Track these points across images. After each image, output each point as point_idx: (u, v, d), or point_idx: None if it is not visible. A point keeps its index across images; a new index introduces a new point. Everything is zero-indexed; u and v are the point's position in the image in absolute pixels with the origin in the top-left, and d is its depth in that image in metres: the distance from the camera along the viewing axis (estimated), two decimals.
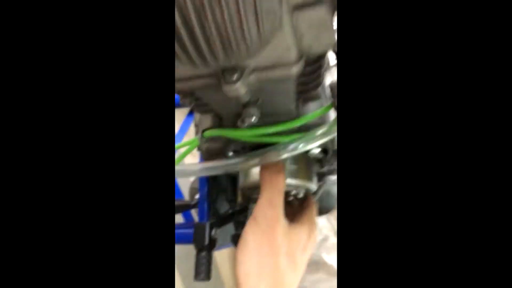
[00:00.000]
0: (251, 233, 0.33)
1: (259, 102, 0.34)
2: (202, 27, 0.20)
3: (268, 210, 0.34)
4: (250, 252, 0.32)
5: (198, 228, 0.42)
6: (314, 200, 0.44)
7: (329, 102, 0.40)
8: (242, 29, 0.20)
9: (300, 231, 0.36)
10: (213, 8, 0.19)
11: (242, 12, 0.19)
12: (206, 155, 0.47)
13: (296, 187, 0.42)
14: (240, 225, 0.54)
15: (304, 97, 0.37)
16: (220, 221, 0.46)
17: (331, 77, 0.51)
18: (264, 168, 0.37)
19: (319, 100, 0.42)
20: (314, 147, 0.38)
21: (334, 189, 0.69)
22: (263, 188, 0.35)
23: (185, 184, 1.08)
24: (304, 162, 0.42)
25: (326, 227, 1.51)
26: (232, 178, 0.57)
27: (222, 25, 0.20)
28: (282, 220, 0.34)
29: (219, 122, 0.41)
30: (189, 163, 0.41)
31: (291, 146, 0.36)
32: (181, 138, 0.85)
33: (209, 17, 0.19)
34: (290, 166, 0.40)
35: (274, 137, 0.38)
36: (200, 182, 0.56)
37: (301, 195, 0.45)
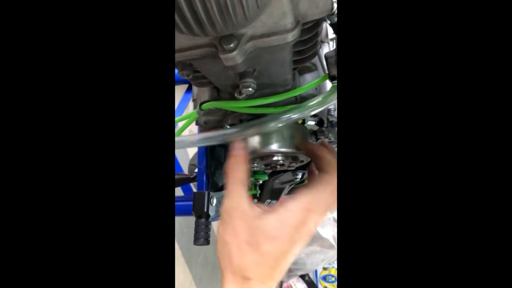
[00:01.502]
0: (220, 225, 0.35)
1: (255, 73, 0.34)
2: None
3: (227, 201, 0.35)
4: (220, 243, 0.34)
5: (198, 197, 0.43)
6: (330, 146, 0.43)
7: (325, 73, 0.40)
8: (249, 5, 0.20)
9: (266, 221, 0.34)
10: None
11: None
12: (204, 129, 0.47)
13: (293, 153, 0.43)
14: None
15: (300, 66, 0.37)
16: (218, 190, 0.47)
17: (328, 49, 0.51)
18: (228, 159, 0.38)
19: (315, 71, 0.43)
20: (308, 117, 0.39)
21: None
22: (226, 179, 0.36)
23: (184, 160, 1.09)
24: (300, 133, 0.43)
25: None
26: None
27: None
28: (242, 210, 0.34)
29: (217, 95, 0.41)
30: (187, 135, 0.41)
31: (286, 116, 0.36)
32: (180, 114, 0.85)
33: None
34: (285, 135, 0.41)
35: (271, 108, 0.39)
36: (199, 155, 0.57)
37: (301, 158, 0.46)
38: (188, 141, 0.41)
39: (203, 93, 0.43)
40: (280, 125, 0.36)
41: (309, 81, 0.41)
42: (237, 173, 0.36)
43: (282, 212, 0.33)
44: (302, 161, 0.45)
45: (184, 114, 0.80)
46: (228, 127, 0.45)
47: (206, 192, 0.43)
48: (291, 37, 0.28)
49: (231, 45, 0.27)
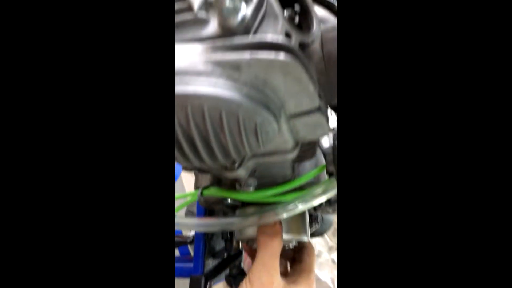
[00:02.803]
0: None
1: (256, 174, 0.35)
2: (206, 143, 0.22)
3: (263, 274, 0.35)
4: None
5: (194, 281, 0.44)
6: (312, 250, 0.45)
7: (323, 162, 0.41)
8: (243, 145, 0.22)
9: None
10: (216, 132, 0.21)
11: (243, 135, 0.21)
12: (204, 203, 0.48)
13: (289, 241, 0.44)
14: (234, 267, 0.56)
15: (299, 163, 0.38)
16: (214, 272, 0.47)
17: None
18: (260, 231, 0.38)
19: (314, 157, 0.44)
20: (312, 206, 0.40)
21: (327, 216, 0.71)
22: (259, 250, 0.37)
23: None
24: (298, 216, 0.44)
25: (319, 243, 1.53)
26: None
27: (224, 143, 0.21)
28: (277, 284, 0.36)
29: (218, 180, 0.42)
30: (186, 218, 0.42)
31: (290, 206, 0.37)
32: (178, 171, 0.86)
33: (212, 138, 0.21)
34: (283, 221, 0.42)
35: (271, 197, 0.40)
36: (196, 238, 0.57)
37: (294, 243, 0.47)
38: (186, 224, 0.41)
39: (204, 176, 0.44)
40: (285, 215, 0.37)
41: (308, 169, 0.43)
42: (272, 246, 0.37)
43: None
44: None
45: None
46: (229, 201, 0.46)
47: (202, 277, 0.44)
48: (291, 156, 0.29)
49: (234, 166, 0.28)
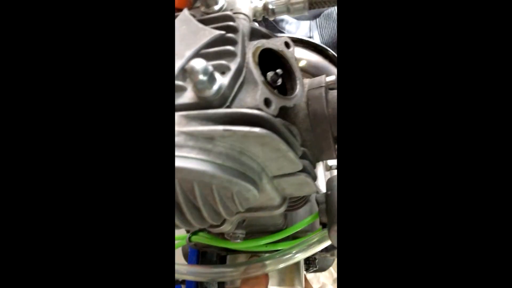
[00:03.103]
0: None
1: (245, 223, 0.34)
2: (179, 210, 0.21)
3: None
4: None
5: None
6: None
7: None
8: (218, 212, 0.21)
9: None
10: (189, 200, 0.20)
11: (219, 204, 0.20)
12: (195, 246, 0.47)
13: None
14: None
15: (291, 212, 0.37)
16: None
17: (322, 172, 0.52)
18: (243, 282, 0.37)
19: (308, 203, 0.43)
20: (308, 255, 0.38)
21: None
22: None
23: None
24: (292, 265, 0.42)
25: (323, 275, 1.48)
26: (222, 258, 0.57)
27: (200, 210, 0.21)
28: None
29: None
30: (177, 264, 0.41)
31: (282, 257, 0.36)
32: None
33: (184, 207, 0.20)
34: (275, 271, 0.40)
35: (263, 246, 0.38)
36: (190, 258, 0.56)
37: None
38: (176, 271, 0.40)
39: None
40: (280, 266, 0.36)
41: (302, 215, 0.41)
42: None
43: None
44: None
45: None
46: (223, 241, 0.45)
47: None
48: (278, 212, 0.28)
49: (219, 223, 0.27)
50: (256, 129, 0.18)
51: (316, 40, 1.01)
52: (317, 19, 1.06)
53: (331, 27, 1.04)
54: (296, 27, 1.05)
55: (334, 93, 0.27)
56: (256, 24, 0.25)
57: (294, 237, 0.40)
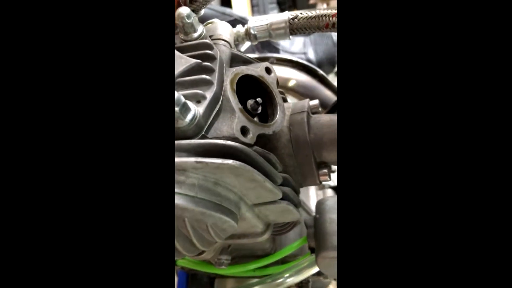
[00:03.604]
0: None
1: (231, 248, 0.33)
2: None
3: None
4: None
5: None
6: None
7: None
8: (193, 243, 0.20)
9: None
10: (180, 232, 0.19)
11: (193, 236, 0.19)
12: (182, 269, 0.46)
13: None
14: None
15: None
16: None
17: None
18: None
19: (297, 226, 0.42)
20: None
21: None
22: None
23: None
24: None
25: None
26: (212, 279, 0.56)
27: (188, 238, 0.20)
28: None
29: None
30: None
31: (276, 282, 0.35)
32: None
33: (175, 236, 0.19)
34: None
35: (251, 271, 0.37)
36: (179, 281, 0.54)
37: None
38: None
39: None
40: None
41: (291, 238, 0.40)
42: None
43: None
44: None
45: None
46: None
47: None
48: (262, 239, 0.27)
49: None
50: (229, 161, 0.17)
51: (311, 56, 1.02)
52: (312, 35, 1.07)
53: (325, 43, 1.05)
54: (291, 43, 1.06)
55: (317, 118, 0.27)
56: (237, 50, 0.25)
57: (283, 261, 0.39)
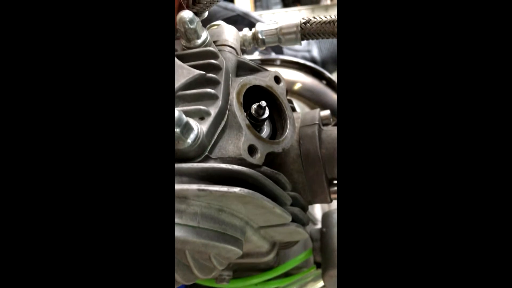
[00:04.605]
0: None
1: (232, 264, 0.32)
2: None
3: None
4: None
5: None
6: None
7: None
8: (193, 273, 0.19)
9: None
10: (179, 262, 0.18)
11: (193, 267, 0.18)
12: None
13: None
14: None
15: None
16: None
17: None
18: None
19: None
20: None
21: None
22: None
23: None
24: None
25: None
26: None
27: (188, 268, 0.18)
28: None
29: None
30: None
31: None
32: None
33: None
34: None
35: (253, 285, 0.36)
36: None
37: None
38: None
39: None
40: None
41: (295, 250, 0.39)
42: None
43: None
44: None
45: None
46: None
47: None
48: (266, 259, 0.26)
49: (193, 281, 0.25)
50: (236, 189, 0.15)
51: (315, 54, 1.00)
52: None
53: (330, 41, 1.03)
54: None
55: (328, 131, 0.25)
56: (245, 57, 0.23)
57: (287, 274, 0.38)
